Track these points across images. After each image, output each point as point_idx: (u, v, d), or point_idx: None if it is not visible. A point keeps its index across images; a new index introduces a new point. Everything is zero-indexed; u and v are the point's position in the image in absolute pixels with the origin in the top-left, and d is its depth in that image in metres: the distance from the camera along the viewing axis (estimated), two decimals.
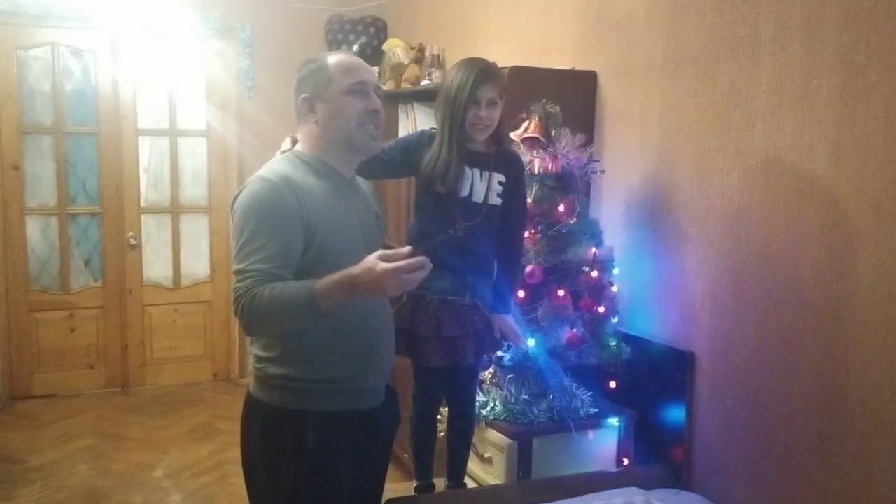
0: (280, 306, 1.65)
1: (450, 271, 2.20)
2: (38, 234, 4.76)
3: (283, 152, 1.94)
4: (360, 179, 2.00)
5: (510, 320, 2.37)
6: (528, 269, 2.44)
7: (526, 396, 2.55)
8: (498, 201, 2.28)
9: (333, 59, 1.86)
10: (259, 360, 1.85)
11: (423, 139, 2.29)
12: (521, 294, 2.47)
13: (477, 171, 2.25)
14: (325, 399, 1.81)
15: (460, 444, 2.49)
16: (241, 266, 1.70)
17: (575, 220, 2.51)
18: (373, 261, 1.62)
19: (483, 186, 2.25)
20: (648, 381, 2.62)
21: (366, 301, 1.78)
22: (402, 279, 1.61)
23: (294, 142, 1.96)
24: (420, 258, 1.62)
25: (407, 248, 1.66)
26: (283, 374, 1.80)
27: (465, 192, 2.24)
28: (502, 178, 2.28)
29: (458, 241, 2.21)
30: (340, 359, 1.82)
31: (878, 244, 1.93)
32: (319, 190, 1.79)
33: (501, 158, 2.29)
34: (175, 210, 5.03)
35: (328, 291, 1.64)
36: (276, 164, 1.83)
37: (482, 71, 2.20)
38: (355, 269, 1.63)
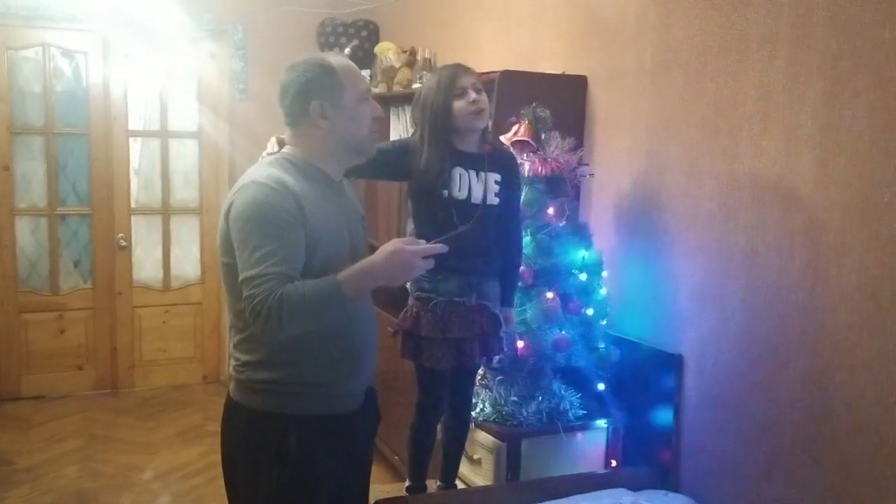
0: (311, 301, 1.66)
1: (455, 273, 2.20)
2: (27, 234, 4.74)
3: (269, 154, 1.91)
4: (345, 182, 1.99)
5: (511, 313, 2.42)
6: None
7: (515, 398, 2.56)
8: (496, 200, 2.29)
9: (338, 62, 1.84)
10: (241, 363, 1.83)
11: (417, 143, 2.30)
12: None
13: (473, 173, 2.26)
14: (307, 402, 1.81)
15: (455, 445, 2.50)
16: (255, 271, 1.66)
17: (564, 222, 2.54)
18: (400, 244, 1.73)
19: (480, 187, 2.27)
20: (637, 383, 2.64)
21: (351, 306, 1.79)
22: (422, 263, 1.73)
23: (280, 143, 1.93)
24: (439, 244, 1.76)
25: (423, 241, 1.80)
26: (266, 378, 1.80)
27: (463, 195, 2.24)
28: (498, 177, 2.29)
29: (469, 237, 2.19)
30: (324, 363, 1.81)
31: (863, 248, 1.95)
32: (312, 194, 1.78)
33: (495, 158, 2.31)
34: (165, 211, 5.02)
35: (352, 280, 1.70)
36: (269, 168, 1.79)
37: (455, 66, 2.30)
38: (376, 257, 1.72)
